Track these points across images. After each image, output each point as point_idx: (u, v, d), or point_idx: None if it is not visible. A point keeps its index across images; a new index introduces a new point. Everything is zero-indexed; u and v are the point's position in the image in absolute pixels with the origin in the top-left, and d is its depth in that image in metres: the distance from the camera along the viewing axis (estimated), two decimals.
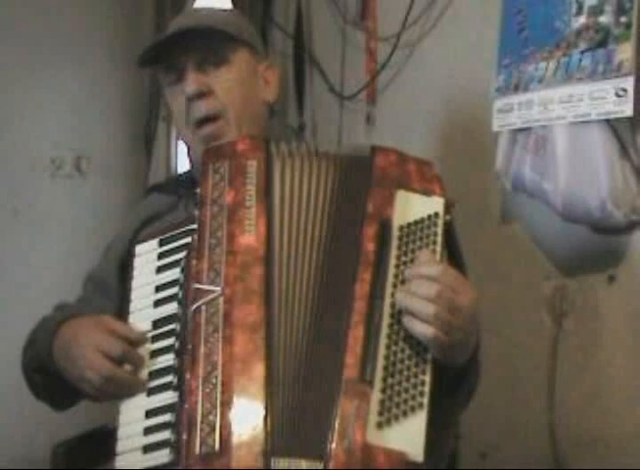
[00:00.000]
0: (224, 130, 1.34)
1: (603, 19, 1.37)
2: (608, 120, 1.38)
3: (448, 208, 1.15)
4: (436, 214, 1.13)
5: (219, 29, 1.33)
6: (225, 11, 1.56)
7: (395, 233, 1.11)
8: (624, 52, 1.32)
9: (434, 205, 1.14)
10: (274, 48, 2.57)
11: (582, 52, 1.40)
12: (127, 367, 1.15)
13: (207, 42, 1.33)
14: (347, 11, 2.26)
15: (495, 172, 1.62)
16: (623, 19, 1.34)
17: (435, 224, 1.12)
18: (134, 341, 1.16)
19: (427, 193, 1.15)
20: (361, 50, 2.19)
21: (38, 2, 2.59)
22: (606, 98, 1.35)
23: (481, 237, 1.78)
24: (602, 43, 1.37)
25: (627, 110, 1.32)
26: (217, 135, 1.33)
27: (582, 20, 1.41)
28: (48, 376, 1.30)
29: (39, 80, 2.59)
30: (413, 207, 1.14)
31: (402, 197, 1.14)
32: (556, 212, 1.50)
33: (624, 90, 1.33)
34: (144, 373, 1.14)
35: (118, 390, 1.14)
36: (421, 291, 1.02)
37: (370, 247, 1.09)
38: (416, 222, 1.12)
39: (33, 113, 2.59)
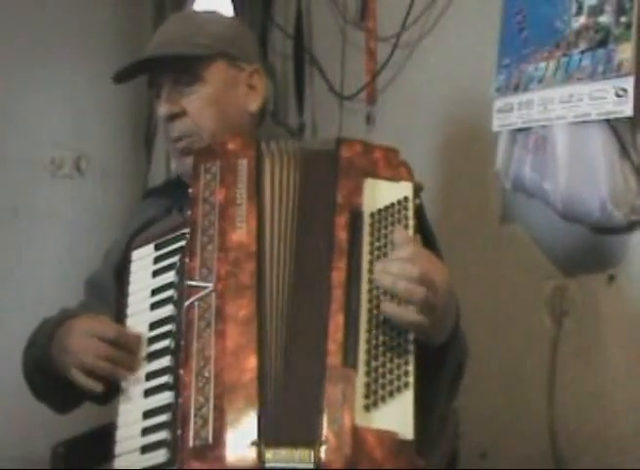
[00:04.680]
0: (196, 146, 1.35)
1: (603, 19, 1.37)
2: (608, 120, 1.38)
3: (417, 191, 1.17)
4: (406, 198, 1.15)
5: (181, 55, 1.33)
6: (208, 13, 1.53)
7: (367, 220, 1.13)
8: (624, 52, 1.32)
9: (403, 189, 1.16)
10: (274, 48, 2.57)
11: (582, 52, 1.40)
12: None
13: (178, 62, 1.34)
14: (347, 11, 2.26)
15: (495, 172, 1.62)
16: (623, 19, 1.34)
17: (406, 208, 1.15)
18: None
19: (394, 179, 1.18)
20: (361, 50, 2.19)
21: (38, 2, 2.59)
22: (606, 98, 1.35)
23: (481, 237, 1.78)
24: (602, 43, 1.37)
25: (627, 110, 1.32)
26: (191, 150, 1.35)
27: (582, 20, 1.41)
28: (47, 377, 1.31)
29: (39, 80, 2.59)
30: (382, 193, 1.16)
31: (370, 185, 1.17)
32: (556, 212, 1.50)
33: (624, 90, 1.33)
34: (140, 353, 1.16)
35: (116, 372, 1.15)
36: (403, 272, 1.02)
37: (342, 236, 1.12)
38: (386, 208, 1.15)
39: (33, 113, 2.59)
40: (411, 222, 1.13)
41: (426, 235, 1.22)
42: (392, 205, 1.15)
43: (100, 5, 2.72)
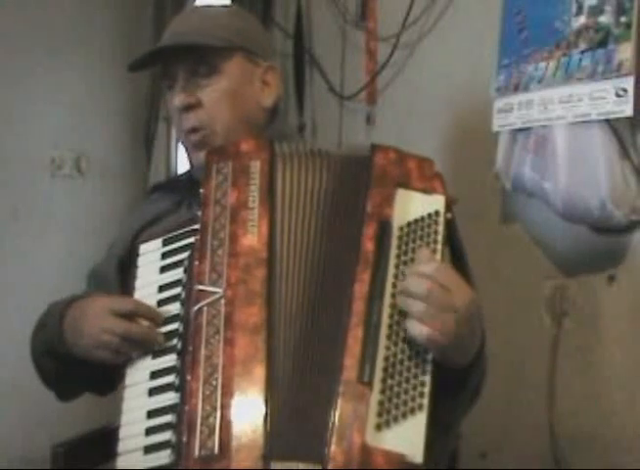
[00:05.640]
0: (210, 139, 1.34)
1: (603, 19, 1.37)
2: (608, 120, 1.38)
3: (449, 205, 1.13)
4: (437, 213, 1.12)
5: (203, 45, 1.32)
6: (225, 7, 1.52)
7: (395, 232, 1.10)
8: (624, 52, 1.32)
9: (435, 203, 1.13)
10: (274, 48, 2.57)
11: (582, 52, 1.40)
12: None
13: (197, 52, 1.33)
14: (347, 11, 2.27)
15: (495, 172, 1.62)
16: (623, 19, 1.34)
17: (436, 222, 1.11)
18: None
19: (427, 191, 1.14)
20: (361, 50, 2.19)
21: (38, 2, 2.59)
22: (606, 98, 1.35)
23: (481, 237, 1.78)
24: (602, 43, 1.37)
25: (627, 110, 1.32)
26: (205, 143, 1.34)
27: (582, 20, 1.41)
28: (58, 361, 1.29)
29: (39, 80, 2.59)
30: (413, 205, 1.13)
31: (402, 196, 1.13)
32: (556, 212, 1.50)
33: (624, 90, 1.33)
34: (158, 326, 1.14)
35: (135, 347, 1.14)
36: (412, 288, 1.02)
37: (369, 247, 1.08)
38: (416, 221, 1.11)
39: (33, 113, 2.59)
40: (440, 238, 1.10)
41: (455, 251, 1.19)
42: (423, 218, 1.11)
43: (100, 5, 2.72)
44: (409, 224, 1.11)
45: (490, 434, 1.75)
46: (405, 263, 1.08)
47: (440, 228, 1.11)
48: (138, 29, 2.76)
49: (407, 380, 1.01)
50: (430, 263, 1.04)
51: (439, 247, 1.10)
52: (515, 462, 1.67)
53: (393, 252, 1.09)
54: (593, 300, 1.55)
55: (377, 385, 1.01)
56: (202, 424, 1.01)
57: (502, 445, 1.74)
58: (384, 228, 1.10)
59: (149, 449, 1.08)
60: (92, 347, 1.18)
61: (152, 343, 1.14)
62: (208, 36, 1.33)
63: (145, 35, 2.75)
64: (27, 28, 2.56)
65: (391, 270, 1.07)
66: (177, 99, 1.34)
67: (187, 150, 1.40)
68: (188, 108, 1.34)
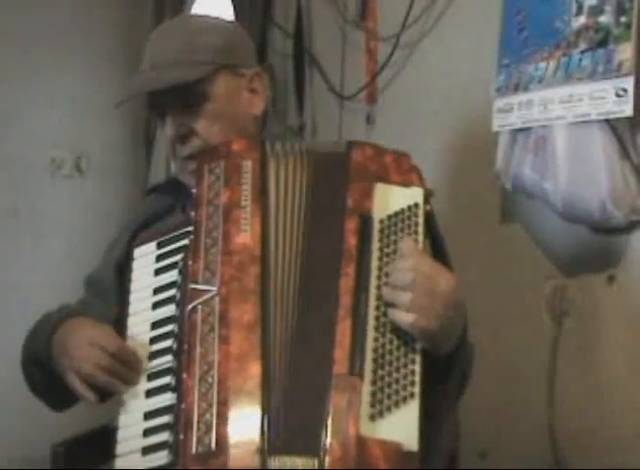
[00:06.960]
0: None
1: (603, 19, 1.37)
2: (608, 120, 1.38)
3: (427, 197, 1.16)
4: (416, 205, 1.14)
5: (184, 82, 1.29)
6: (202, 18, 1.46)
7: (377, 226, 1.13)
8: (624, 52, 1.32)
9: (414, 195, 1.15)
10: (274, 48, 2.57)
11: (582, 52, 1.40)
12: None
13: (184, 85, 1.30)
14: (347, 11, 2.26)
15: (495, 172, 1.62)
16: (623, 19, 1.34)
17: (416, 214, 1.14)
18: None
19: (405, 184, 1.17)
20: (361, 50, 2.19)
21: (38, 2, 2.59)
22: (606, 98, 1.35)
23: (481, 237, 1.78)
24: (602, 43, 1.37)
25: (627, 110, 1.32)
26: None
27: (582, 20, 1.41)
28: (46, 372, 1.29)
29: (39, 80, 2.59)
30: (393, 199, 1.15)
31: (381, 190, 1.16)
32: (556, 212, 1.50)
33: (624, 90, 1.33)
34: (139, 370, 1.14)
35: (114, 385, 1.14)
36: (397, 282, 1.05)
37: (352, 241, 1.11)
38: (396, 214, 1.14)
39: (33, 113, 2.59)
40: (420, 229, 1.13)
41: (435, 242, 1.21)
42: (402, 211, 1.14)
43: (100, 5, 2.72)
44: (389, 217, 1.14)
45: (490, 434, 1.75)
46: (388, 255, 1.10)
47: (420, 220, 1.14)
48: (138, 29, 2.76)
49: (397, 369, 1.03)
50: (411, 255, 1.07)
51: (420, 237, 1.12)
52: (515, 462, 1.67)
53: (376, 244, 1.11)
54: (593, 300, 1.55)
55: (368, 376, 1.02)
56: (198, 421, 1.02)
57: (502, 445, 1.74)
58: (365, 221, 1.12)
59: (146, 451, 1.09)
60: (69, 368, 1.18)
61: (129, 383, 1.14)
62: (188, 66, 1.30)
63: (145, 35, 2.74)
64: (27, 28, 2.56)
65: (375, 263, 1.10)
66: (169, 131, 1.33)
67: (182, 172, 1.38)
68: (181, 137, 1.33)
